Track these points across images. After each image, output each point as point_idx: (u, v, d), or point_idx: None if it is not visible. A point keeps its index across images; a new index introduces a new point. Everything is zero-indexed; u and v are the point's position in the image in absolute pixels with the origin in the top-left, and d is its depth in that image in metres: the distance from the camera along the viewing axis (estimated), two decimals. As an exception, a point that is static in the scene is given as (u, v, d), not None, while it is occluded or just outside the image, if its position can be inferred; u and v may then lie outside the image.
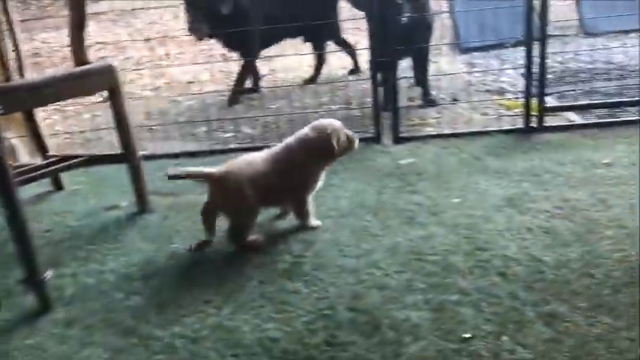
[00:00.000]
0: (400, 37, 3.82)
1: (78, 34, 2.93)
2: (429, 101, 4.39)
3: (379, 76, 3.83)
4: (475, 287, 2.18)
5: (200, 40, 4.47)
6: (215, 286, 2.35)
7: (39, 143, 3.37)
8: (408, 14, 3.96)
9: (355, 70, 5.16)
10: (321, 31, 4.78)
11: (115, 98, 2.90)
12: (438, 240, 2.54)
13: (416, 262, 2.38)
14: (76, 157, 3.22)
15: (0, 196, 2.15)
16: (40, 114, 3.59)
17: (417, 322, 2.02)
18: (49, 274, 2.30)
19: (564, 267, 2.26)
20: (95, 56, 5.46)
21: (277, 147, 2.68)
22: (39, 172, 3.07)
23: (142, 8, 5.67)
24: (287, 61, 5.37)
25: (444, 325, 1.99)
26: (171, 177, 2.62)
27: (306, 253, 2.54)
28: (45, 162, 3.23)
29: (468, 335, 1.94)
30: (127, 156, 3.01)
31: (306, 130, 2.65)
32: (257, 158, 2.63)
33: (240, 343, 2.01)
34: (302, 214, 2.71)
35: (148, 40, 6.38)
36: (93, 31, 7.04)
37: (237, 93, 4.75)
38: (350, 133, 2.69)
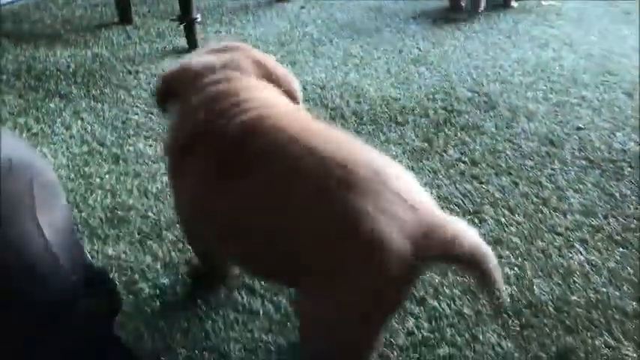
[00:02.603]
0: None
1: None
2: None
3: None
4: (597, 98, 2.19)
5: None
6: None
7: None
8: None
9: None
10: None
11: None
12: (567, 62, 2.53)
13: (542, 73, 2.40)
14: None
15: None
16: None
17: (534, 110, 2.08)
18: (198, 16, 2.52)
19: (697, 100, 2.21)
20: None
21: None
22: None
23: None
24: None
25: (560, 117, 2.05)
26: None
27: (433, 50, 2.61)
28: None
29: (582, 126, 1.98)
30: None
31: None
32: None
33: (364, 95, 2.16)
34: None
35: None
36: None
37: None
38: None
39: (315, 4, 3.24)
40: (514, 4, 3.15)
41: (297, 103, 1.19)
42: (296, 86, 1.19)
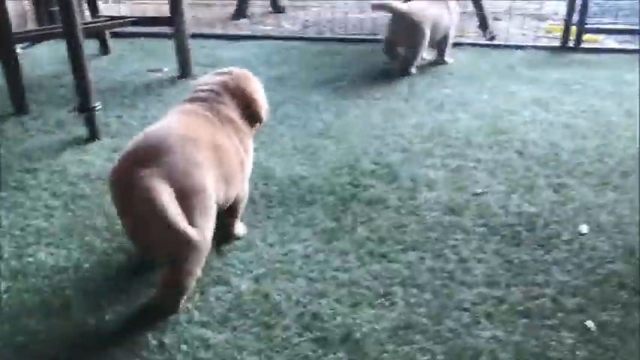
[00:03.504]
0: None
1: None
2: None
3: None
4: (492, 159, 2.32)
5: None
6: (249, 137, 2.52)
7: (91, 3, 3.51)
8: None
9: None
10: None
11: (170, -40, 3.01)
12: (462, 123, 2.67)
13: (439, 137, 2.52)
14: (123, 17, 3.36)
15: (65, 36, 2.33)
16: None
17: (434, 178, 2.18)
18: (98, 104, 2.48)
19: (580, 153, 2.38)
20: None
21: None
22: (89, 27, 3.22)
23: None
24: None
25: (458, 182, 2.15)
26: (375, 7, 3.32)
27: (336, 121, 2.69)
28: (94, 19, 3.38)
29: (479, 191, 2.09)
30: (174, 19, 3.14)
31: None
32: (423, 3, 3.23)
33: (272, 176, 2.19)
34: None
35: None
36: None
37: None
38: None
39: (218, 78, 3.27)
40: (413, 70, 3.30)
41: (260, 121, 1.75)
42: (258, 107, 1.72)
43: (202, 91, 1.67)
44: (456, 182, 2.15)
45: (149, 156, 1.40)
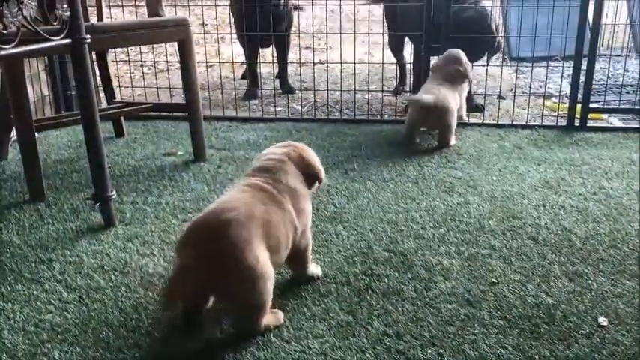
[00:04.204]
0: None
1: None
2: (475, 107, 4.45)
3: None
4: (506, 246, 2.32)
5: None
6: (262, 223, 2.54)
7: (108, 90, 3.63)
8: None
9: None
10: None
11: (185, 50, 3.13)
12: (473, 207, 2.68)
13: (451, 222, 2.53)
14: (140, 104, 3.46)
15: (83, 124, 2.40)
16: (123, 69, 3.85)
17: (449, 267, 2.17)
18: (114, 192, 2.52)
19: (593, 239, 2.38)
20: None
21: (432, 80, 3.58)
22: (106, 113, 3.31)
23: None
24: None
25: (474, 271, 2.14)
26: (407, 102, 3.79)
27: (348, 205, 2.71)
28: (111, 106, 3.48)
29: (495, 280, 2.08)
30: (190, 106, 3.23)
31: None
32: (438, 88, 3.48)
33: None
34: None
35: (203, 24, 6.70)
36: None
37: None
38: None
39: (231, 161, 3.33)
40: (452, 142, 3.52)
41: (320, 182, 2.03)
42: (318, 171, 2.01)
43: (268, 160, 1.96)
44: (471, 271, 2.14)
45: (204, 237, 1.71)
